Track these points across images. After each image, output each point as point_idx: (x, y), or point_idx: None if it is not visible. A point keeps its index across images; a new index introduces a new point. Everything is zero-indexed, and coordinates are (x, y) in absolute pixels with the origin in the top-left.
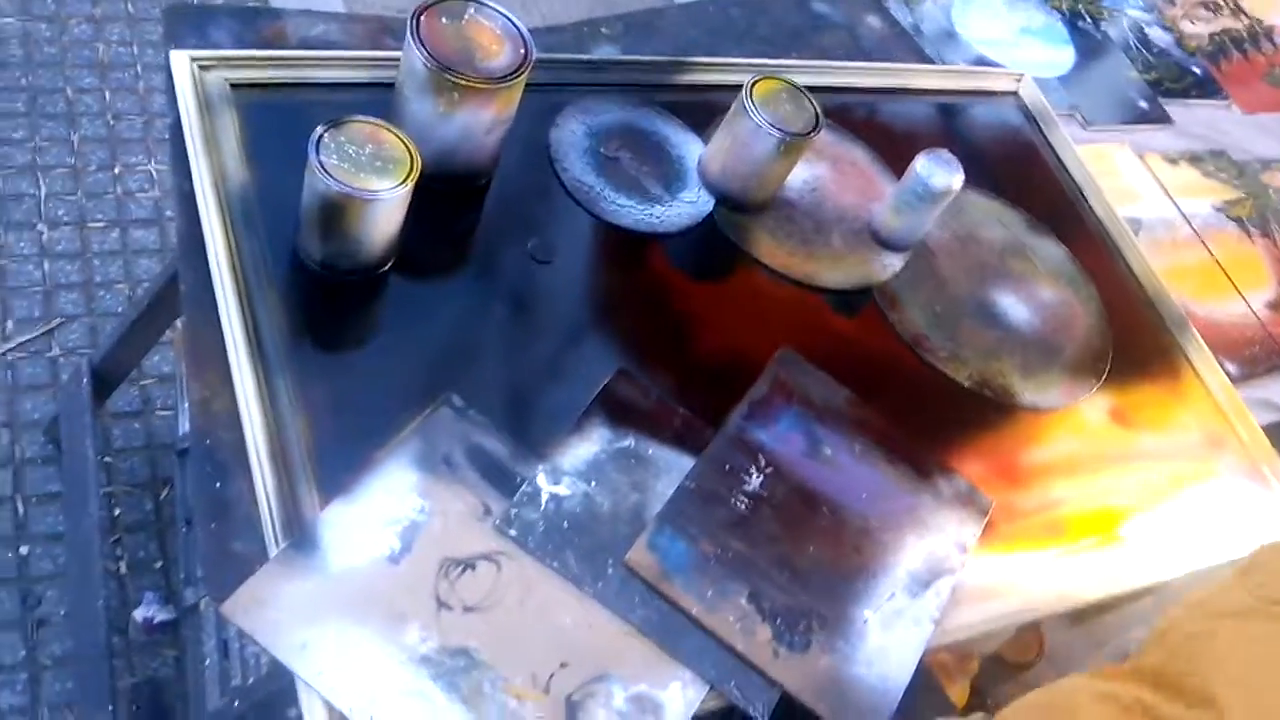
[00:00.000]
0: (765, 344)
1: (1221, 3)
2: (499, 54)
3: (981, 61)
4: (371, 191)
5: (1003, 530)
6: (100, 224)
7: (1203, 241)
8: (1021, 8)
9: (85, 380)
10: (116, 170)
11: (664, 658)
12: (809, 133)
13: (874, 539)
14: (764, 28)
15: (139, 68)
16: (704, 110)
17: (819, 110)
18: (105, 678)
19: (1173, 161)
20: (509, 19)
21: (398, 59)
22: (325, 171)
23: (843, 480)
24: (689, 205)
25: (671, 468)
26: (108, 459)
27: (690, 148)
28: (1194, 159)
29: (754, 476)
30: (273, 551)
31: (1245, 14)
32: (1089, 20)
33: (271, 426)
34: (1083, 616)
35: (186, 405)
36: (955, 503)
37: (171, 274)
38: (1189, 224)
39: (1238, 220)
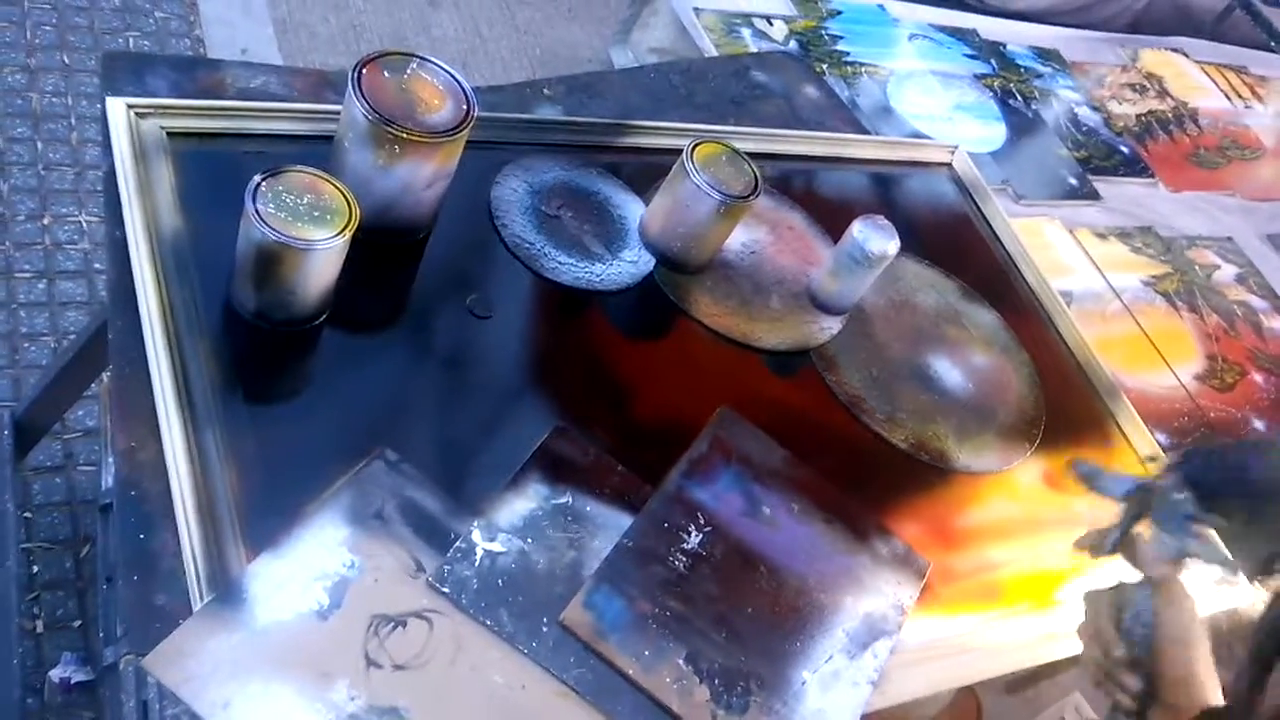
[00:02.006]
0: (704, 403)
1: (1148, 85)
2: (441, 109)
3: (916, 136)
4: (308, 241)
5: (940, 592)
6: (27, 274)
7: (1132, 315)
8: (955, 85)
9: (6, 433)
10: (46, 221)
11: (599, 719)
12: (748, 196)
13: (812, 599)
14: (703, 95)
15: (73, 119)
16: (645, 172)
17: (758, 174)
18: None
19: (1102, 236)
20: (451, 75)
21: (338, 112)
22: (261, 219)
23: (781, 540)
24: (629, 264)
25: (609, 525)
26: (27, 514)
27: (631, 208)
28: (1123, 234)
29: (693, 535)
30: (197, 605)
31: (1171, 96)
32: (1020, 99)
33: (199, 478)
34: (1019, 685)
35: (111, 460)
36: (893, 564)
37: (99, 326)
38: (1119, 297)
39: (1165, 295)
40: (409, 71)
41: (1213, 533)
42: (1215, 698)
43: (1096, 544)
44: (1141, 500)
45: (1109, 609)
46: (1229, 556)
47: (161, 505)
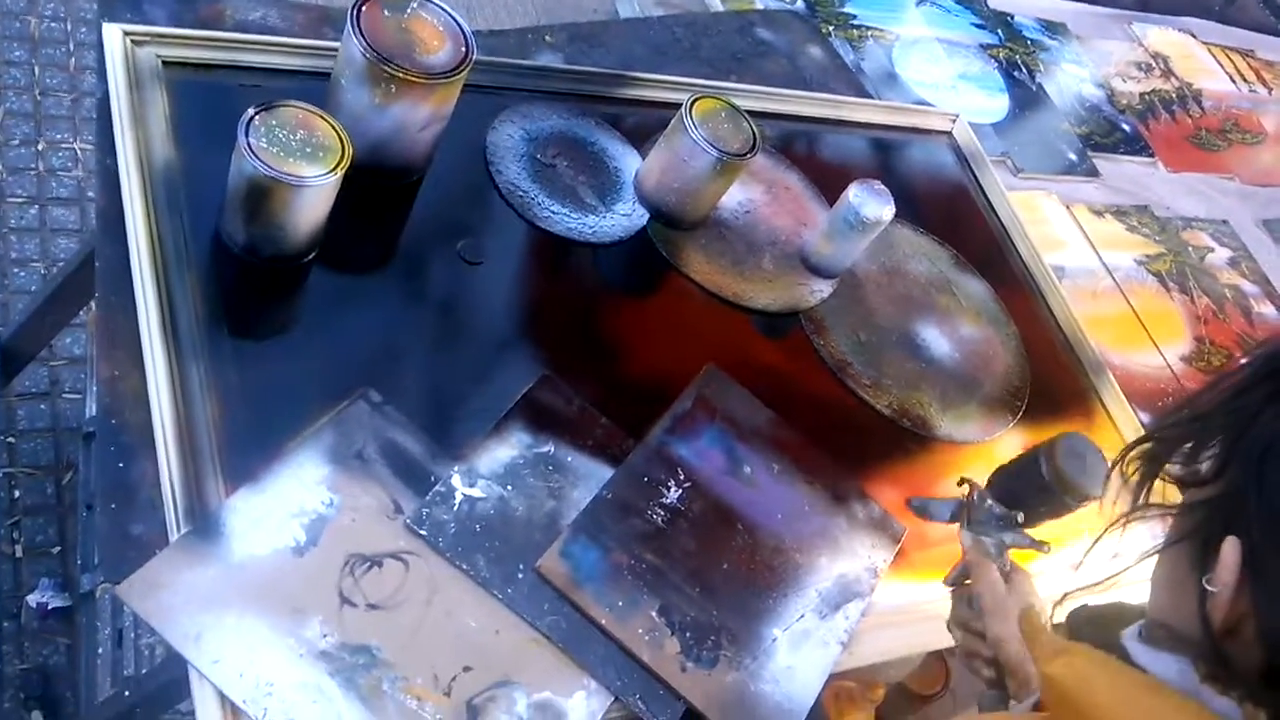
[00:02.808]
0: (691, 360)
1: (1153, 64)
2: (439, 50)
3: (920, 104)
4: (299, 177)
5: (914, 558)
6: (19, 199)
7: (1123, 293)
8: (960, 54)
9: None
10: (40, 146)
11: (570, 666)
12: (746, 154)
13: (787, 559)
14: (707, 49)
15: (71, 44)
16: (643, 125)
17: (757, 132)
18: None
19: (1098, 213)
20: (452, 16)
21: (336, 49)
22: (253, 154)
23: (760, 499)
24: (623, 218)
25: (590, 476)
26: (10, 439)
27: (628, 160)
28: (1119, 212)
29: (672, 490)
30: (174, 536)
31: (1175, 76)
32: (1025, 71)
33: (180, 410)
34: None
35: (95, 387)
36: (869, 528)
37: (89, 254)
38: (1111, 275)
39: (1157, 275)
40: (409, 11)
41: (1019, 523)
42: (1021, 654)
43: (953, 576)
44: (961, 515)
45: (963, 600)
46: (1035, 539)
47: (142, 436)
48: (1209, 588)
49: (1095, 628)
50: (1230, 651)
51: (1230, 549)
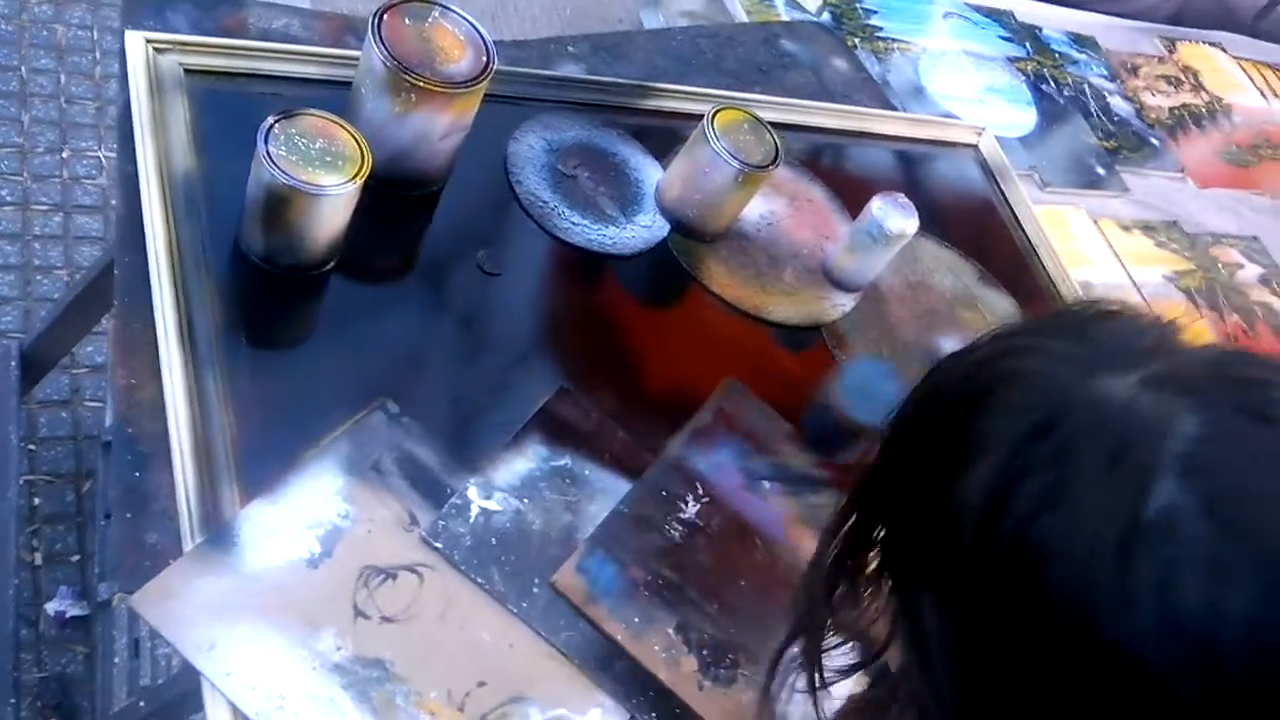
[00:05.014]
0: (711, 373)
1: (1183, 78)
2: (460, 59)
3: (946, 116)
4: (318, 186)
5: None
6: (44, 207)
7: (1151, 309)
8: (987, 67)
9: (14, 364)
10: (65, 154)
11: (585, 683)
12: (768, 165)
13: None
14: (730, 61)
15: (97, 53)
16: (666, 136)
17: (779, 144)
18: (9, 670)
19: (1126, 229)
20: (473, 25)
21: (358, 58)
22: (272, 162)
23: (779, 515)
24: (644, 229)
25: (607, 490)
26: (31, 447)
27: (649, 172)
28: (1147, 228)
29: (690, 505)
30: (188, 546)
31: (1205, 90)
32: (1053, 84)
33: (197, 419)
34: None
35: (112, 395)
36: None
37: (110, 262)
38: (1139, 291)
39: (1186, 291)
40: (430, 20)
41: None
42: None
43: None
44: None
45: None
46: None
47: (158, 444)
48: None
49: None
50: None
51: None
